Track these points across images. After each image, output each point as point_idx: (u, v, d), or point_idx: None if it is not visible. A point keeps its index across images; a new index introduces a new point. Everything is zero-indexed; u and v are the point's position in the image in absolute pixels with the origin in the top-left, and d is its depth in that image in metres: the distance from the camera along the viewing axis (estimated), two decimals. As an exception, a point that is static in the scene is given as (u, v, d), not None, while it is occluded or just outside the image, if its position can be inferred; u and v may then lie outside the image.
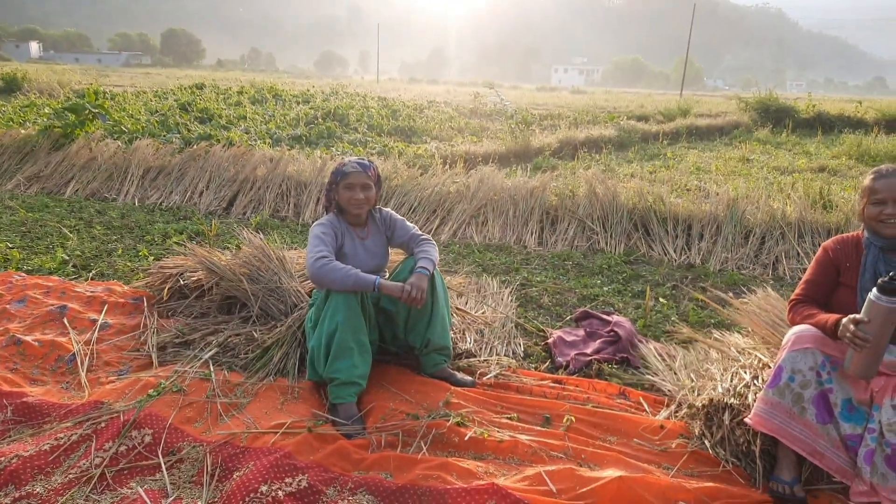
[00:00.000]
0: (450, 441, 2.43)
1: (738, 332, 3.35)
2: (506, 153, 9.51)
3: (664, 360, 3.22)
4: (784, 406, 2.31)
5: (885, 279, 2.07)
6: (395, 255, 3.46)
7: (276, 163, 6.80)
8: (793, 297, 2.53)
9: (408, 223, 3.09)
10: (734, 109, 14.82)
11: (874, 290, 2.09)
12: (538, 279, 4.53)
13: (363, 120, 12.63)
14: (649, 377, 3.07)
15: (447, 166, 7.24)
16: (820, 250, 2.51)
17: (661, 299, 4.13)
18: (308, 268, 2.69)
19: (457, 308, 3.56)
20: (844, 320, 2.17)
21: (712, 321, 3.74)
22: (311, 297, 3.13)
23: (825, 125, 13.06)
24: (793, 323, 2.46)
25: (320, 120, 11.97)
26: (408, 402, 2.67)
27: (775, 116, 13.43)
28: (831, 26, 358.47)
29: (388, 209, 3.25)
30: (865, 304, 2.12)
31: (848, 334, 2.14)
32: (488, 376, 2.98)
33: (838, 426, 2.29)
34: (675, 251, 5.06)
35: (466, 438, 2.43)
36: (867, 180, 2.37)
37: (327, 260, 2.68)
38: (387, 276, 3.06)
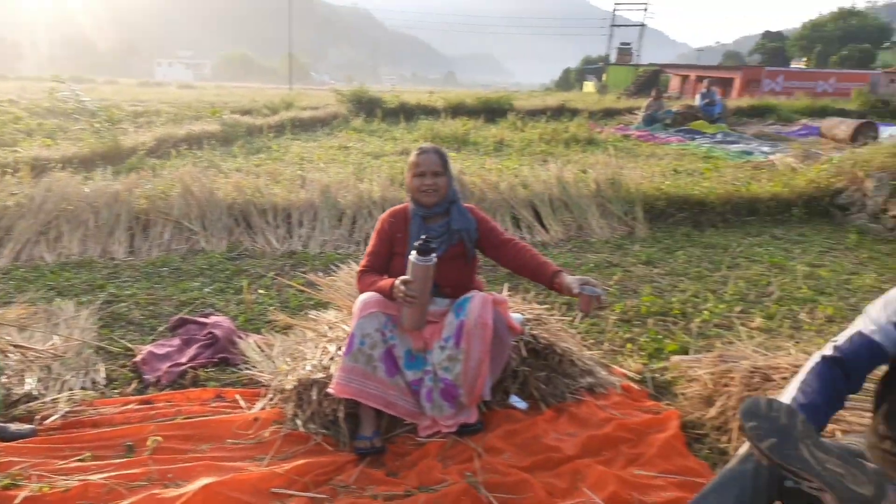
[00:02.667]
0: (-4, 511, 1.97)
1: (335, 308, 3.54)
2: (90, 156, 8.31)
3: (263, 350, 3.21)
4: (359, 369, 2.51)
5: (419, 242, 2.39)
6: None
7: None
8: (360, 267, 2.74)
9: None
10: (334, 101, 15.86)
11: (412, 252, 2.40)
12: (128, 292, 4.06)
13: None
14: (248, 372, 3.03)
15: (6, 176, 5.95)
16: (378, 222, 2.77)
17: (260, 291, 4.13)
18: None
19: (11, 346, 2.94)
20: (396, 282, 2.44)
21: (311, 303, 3.88)
22: None
23: (407, 113, 14.98)
24: (361, 291, 2.68)
25: None
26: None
27: (367, 107, 14.85)
28: (410, 27, 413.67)
29: None
30: (408, 266, 2.41)
31: (400, 294, 2.41)
32: (52, 418, 2.52)
33: (404, 375, 2.60)
34: (277, 241, 5.12)
35: (18, 501, 2.00)
36: (412, 156, 2.68)
37: None
38: None
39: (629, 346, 3.49)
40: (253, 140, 11.04)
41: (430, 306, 2.68)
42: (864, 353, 1.75)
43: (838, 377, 1.72)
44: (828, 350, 1.80)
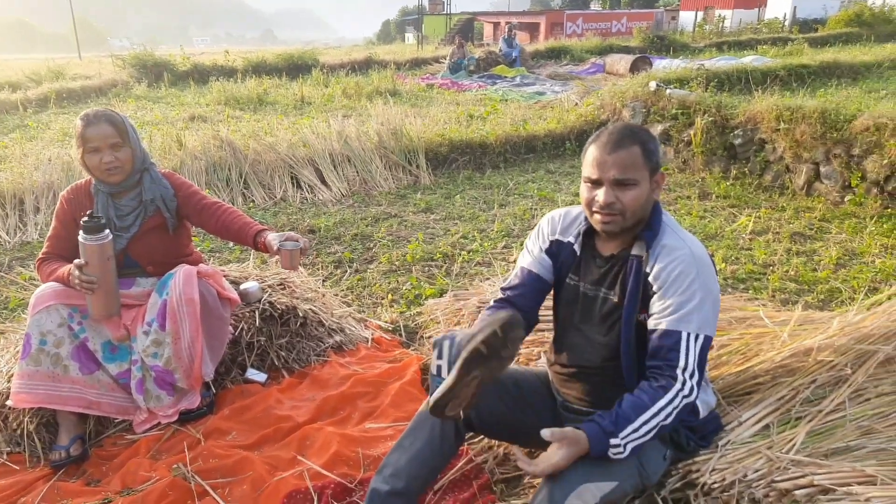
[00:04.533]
0: None
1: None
2: None
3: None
4: (43, 372, 2.19)
5: (85, 219, 2.07)
6: None
7: None
8: (40, 254, 2.37)
9: None
10: (110, 71, 14.14)
11: (80, 232, 2.08)
12: None
13: None
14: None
15: None
16: (58, 202, 2.38)
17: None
18: None
19: None
20: (71, 268, 2.12)
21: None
22: None
23: (203, 76, 13.82)
24: (43, 282, 2.32)
25: None
26: None
27: (154, 72, 13.46)
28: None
29: None
30: (80, 248, 2.10)
31: (76, 281, 2.10)
32: None
33: (106, 369, 2.31)
34: (7, 232, 4.43)
35: None
36: (77, 127, 2.24)
37: None
38: None
39: (390, 296, 3.46)
40: (7, 118, 9.54)
41: (134, 287, 2.40)
42: (528, 287, 1.80)
43: None
44: (499, 294, 1.84)
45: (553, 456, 1.48)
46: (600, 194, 1.56)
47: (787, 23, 25.51)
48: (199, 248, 3.99)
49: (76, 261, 2.10)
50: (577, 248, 1.74)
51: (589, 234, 1.73)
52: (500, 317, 1.45)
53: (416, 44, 32.81)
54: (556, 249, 1.78)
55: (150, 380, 2.32)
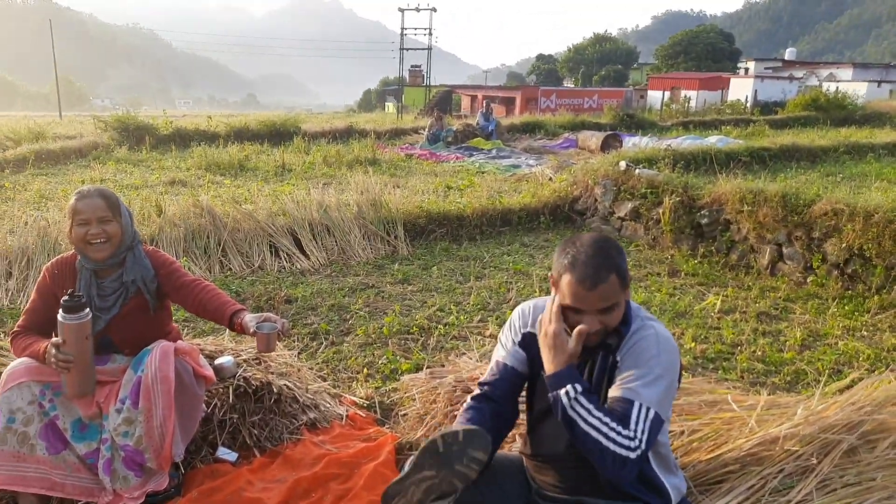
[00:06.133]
0: None
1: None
2: None
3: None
4: (9, 452, 2.13)
5: (66, 298, 2.07)
6: None
7: None
8: (16, 326, 2.34)
9: None
10: (91, 132, 14.24)
11: (60, 311, 2.08)
12: None
13: None
14: None
15: None
16: (41, 275, 2.38)
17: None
18: None
19: None
20: (49, 346, 2.10)
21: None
22: None
23: (184, 140, 13.98)
24: (16, 356, 2.29)
25: None
26: None
27: (136, 135, 13.57)
28: (202, 49, 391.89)
29: None
30: (58, 326, 2.09)
31: (52, 359, 2.08)
32: None
33: (74, 449, 2.25)
34: (-21, 298, 4.35)
35: None
36: (71, 201, 2.29)
37: None
38: None
39: (365, 370, 3.45)
40: (-13, 179, 9.48)
41: (109, 364, 2.38)
42: (504, 381, 1.83)
43: (486, 411, 1.77)
44: (477, 389, 1.87)
45: None
46: (585, 320, 1.61)
47: (748, 104, 26.92)
48: (175, 317, 3.97)
49: (54, 339, 2.09)
50: None
51: None
52: (468, 427, 1.49)
53: (396, 113, 33.80)
54: (528, 341, 1.82)
55: (118, 460, 2.27)
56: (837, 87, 23.85)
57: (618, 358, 1.67)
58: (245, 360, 2.91)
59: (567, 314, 1.64)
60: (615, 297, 1.60)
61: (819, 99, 20.96)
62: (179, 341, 2.47)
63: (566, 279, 1.61)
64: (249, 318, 2.24)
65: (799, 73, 38.92)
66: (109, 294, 2.33)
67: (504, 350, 1.85)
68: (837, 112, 19.58)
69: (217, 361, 2.76)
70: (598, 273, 1.57)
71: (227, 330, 3.60)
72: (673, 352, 1.64)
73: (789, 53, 53.75)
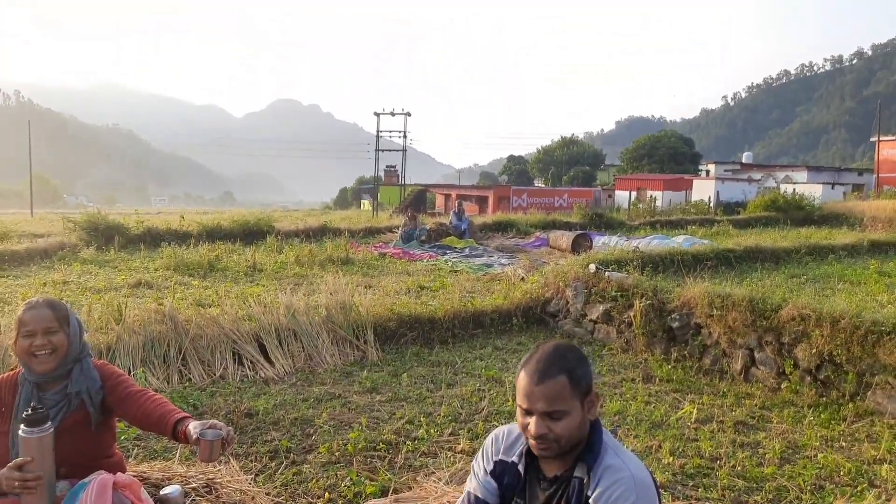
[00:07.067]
0: None
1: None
2: None
3: None
4: None
5: (28, 411, 1.99)
6: None
7: None
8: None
9: None
10: (60, 230, 14.10)
11: (22, 426, 1.98)
12: None
13: None
14: None
15: None
16: (-17, 394, 2.24)
17: None
18: None
19: None
20: (4, 471, 1.94)
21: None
22: None
23: (154, 239, 13.86)
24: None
25: None
26: None
27: (105, 234, 13.43)
28: (181, 148, 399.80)
29: None
30: (20, 444, 1.98)
31: (16, 484, 1.91)
32: None
33: None
34: None
35: None
36: (19, 311, 2.25)
37: None
38: None
39: (327, 494, 3.22)
40: (-62, 281, 9.18)
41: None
42: None
43: None
44: None
45: None
46: (532, 424, 1.57)
47: (711, 204, 28.01)
48: (126, 435, 3.72)
49: (17, 460, 1.95)
50: (521, 468, 1.73)
51: (532, 452, 1.71)
52: None
53: (372, 210, 34.39)
54: (500, 470, 1.77)
55: None
56: (794, 189, 25.07)
57: (590, 494, 1.57)
58: (194, 489, 2.70)
59: (520, 416, 1.62)
60: (563, 403, 1.55)
61: (778, 200, 21.90)
62: (119, 473, 2.28)
63: (520, 375, 1.63)
64: (193, 426, 2.13)
65: (757, 175, 41.03)
66: (51, 407, 2.22)
67: (476, 480, 1.80)
68: (796, 213, 20.42)
69: (162, 492, 2.55)
70: (547, 369, 1.56)
71: (178, 453, 3.41)
72: (651, 493, 1.55)
73: (746, 157, 57.05)
